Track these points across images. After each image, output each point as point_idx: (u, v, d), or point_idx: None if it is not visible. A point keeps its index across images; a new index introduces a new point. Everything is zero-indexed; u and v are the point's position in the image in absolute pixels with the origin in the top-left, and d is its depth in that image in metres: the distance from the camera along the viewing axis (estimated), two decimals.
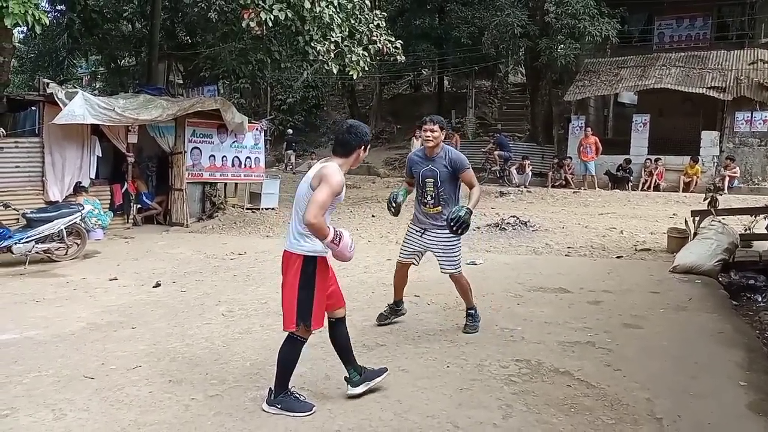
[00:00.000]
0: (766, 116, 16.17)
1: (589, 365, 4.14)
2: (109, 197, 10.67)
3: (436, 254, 4.77)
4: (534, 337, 4.73)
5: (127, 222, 10.95)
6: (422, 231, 4.79)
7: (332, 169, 3.30)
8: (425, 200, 4.75)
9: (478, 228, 10.46)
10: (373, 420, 3.33)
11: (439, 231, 4.70)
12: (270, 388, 3.49)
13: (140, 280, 6.94)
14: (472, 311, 4.90)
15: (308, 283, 3.35)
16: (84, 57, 21.94)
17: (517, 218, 10.59)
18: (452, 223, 4.44)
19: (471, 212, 4.48)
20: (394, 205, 4.76)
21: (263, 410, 3.43)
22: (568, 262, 8.01)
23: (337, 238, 3.25)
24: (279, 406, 3.41)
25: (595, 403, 3.55)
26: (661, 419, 3.35)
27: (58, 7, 18.45)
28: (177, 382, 3.86)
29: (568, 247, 8.94)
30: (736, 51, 17.85)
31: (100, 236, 9.73)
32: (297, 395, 3.49)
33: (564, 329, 4.96)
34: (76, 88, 15.76)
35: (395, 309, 5.04)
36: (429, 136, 4.65)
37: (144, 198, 11.44)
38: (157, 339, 4.73)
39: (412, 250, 4.86)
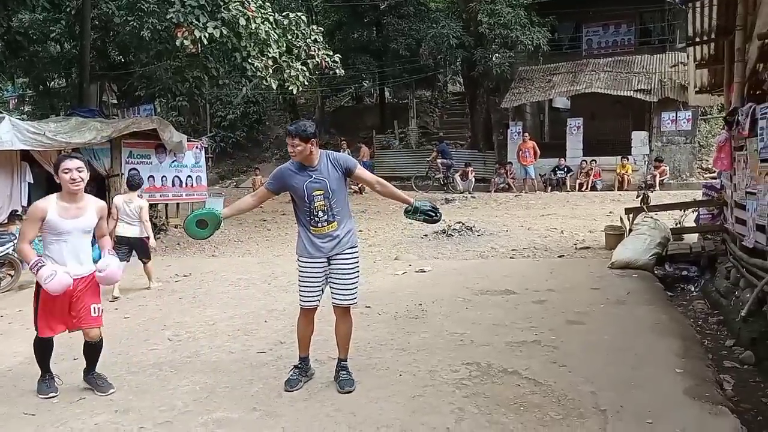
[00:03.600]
0: (689, 115, 17.07)
1: (536, 363, 4.26)
2: None
3: (335, 283, 3.95)
4: (483, 340, 4.83)
5: None
6: (325, 261, 3.93)
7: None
8: (316, 219, 3.87)
9: (426, 236, 10.61)
10: None
11: (342, 255, 3.93)
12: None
13: None
14: (347, 363, 4.08)
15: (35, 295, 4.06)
16: (10, 80, 21.01)
17: (463, 224, 10.80)
18: (433, 213, 4.08)
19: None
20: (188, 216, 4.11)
21: None
22: (513, 264, 8.22)
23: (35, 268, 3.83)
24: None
25: (543, 400, 3.66)
26: (605, 411, 3.49)
27: None
28: (124, 411, 3.74)
29: (513, 250, 9.18)
30: (658, 55, 18.81)
31: None
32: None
33: (511, 330, 5.09)
34: (2, 113, 15.06)
35: (305, 369, 4.11)
36: (292, 151, 3.82)
37: None
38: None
39: (317, 289, 3.96)
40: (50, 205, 3.86)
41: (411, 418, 3.47)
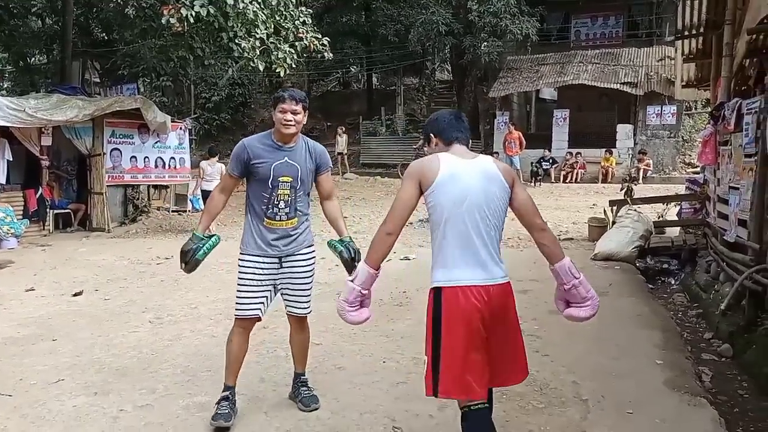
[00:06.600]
0: (674, 110, 17.23)
1: None
2: (23, 204, 10.06)
3: (288, 290, 3.33)
4: None
5: (44, 229, 10.37)
6: (277, 261, 3.26)
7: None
8: (276, 210, 3.21)
9: (411, 223, 10.59)
10: (309, 420, 3.32)
11: (299, 255, 3.30)
12: None
13: (60, 289, 6.58)
14: (306, 378, 3.55)
15: None
16: None
17: None
18: (350, 263, 3.31)
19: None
20: (192, 259, 3.31)
21: None
22: None
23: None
24: None
25: (525, 389, 3.67)
26: (587, 400, 3.52)
27: None
28: (104, 393, 3.70)
29: None
30: (645, 48, 18.93)
31: (14, 245, 9.16)
32: None
33: None
34: None
35: (234, 401, 3.31)
36: (290, 120, 3.14)
37: (57, 204, 10.91)
38: (80, 350, 4.51)
39: (260, 296, 3.28)
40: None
41: (394, 405, 3.47)
